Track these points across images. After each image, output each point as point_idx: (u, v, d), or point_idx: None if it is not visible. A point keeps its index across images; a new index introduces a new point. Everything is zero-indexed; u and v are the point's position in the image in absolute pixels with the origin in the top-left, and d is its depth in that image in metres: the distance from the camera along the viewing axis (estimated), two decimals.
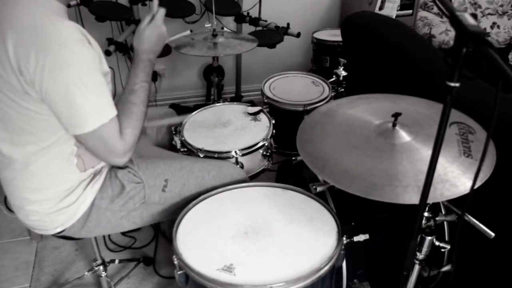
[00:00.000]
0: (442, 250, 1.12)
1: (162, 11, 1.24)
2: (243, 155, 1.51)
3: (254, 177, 1.60)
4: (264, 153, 1.59)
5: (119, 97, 1.18)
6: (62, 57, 0.96)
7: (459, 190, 0.95)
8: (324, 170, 1.06)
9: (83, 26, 1.15)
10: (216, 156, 1.50)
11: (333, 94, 2.01)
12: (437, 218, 1.14)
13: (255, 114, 1.71)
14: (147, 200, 1.27)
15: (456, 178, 0.98)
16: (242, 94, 3.00)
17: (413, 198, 0.94)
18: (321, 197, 1.25)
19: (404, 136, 1.11)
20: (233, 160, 1.51)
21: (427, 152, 1.04)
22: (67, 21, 1.02)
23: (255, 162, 1.59)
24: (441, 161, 1.01)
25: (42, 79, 0.96)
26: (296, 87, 2.06)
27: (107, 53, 2.15)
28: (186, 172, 1.34)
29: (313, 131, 1.21)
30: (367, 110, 1.26)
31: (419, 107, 1.25)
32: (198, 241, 1.11)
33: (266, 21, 2.56)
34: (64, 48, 0.96)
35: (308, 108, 1.87)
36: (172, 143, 1.62)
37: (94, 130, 1.03)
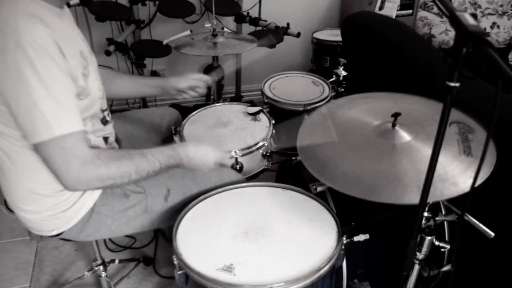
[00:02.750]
0: (442, 250, 1.12)
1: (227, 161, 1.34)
2: (243, 155, 1.51)
3: (254, 177, 1.60)
4: (264, 153, 1.59)
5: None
6: (21, 64, 0.92)
7: (459, 189, 0.95)
8: (325, 174, 1.06)
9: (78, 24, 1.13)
10: None
11: (333, 94, 2.01)
12: (437, 218, 1.14)
13: (255, 114, 1.71)
14: (149, 209, 1.26)
15: (456, 177, 0.98)
16: (242, 94, 3.00)
17: (413, 198, 0.94)
18: (321, 197, 1.25)
19: (404, 136, 1.11)
20: (233, 160, 1.51)
21: (427, 152, 1.04)
22: (43, 26, 0.96)
23: (255, 162, 1.58)
24: (441, 160, 1.00)
25: (1, 84, 0.94)
26: (296, 87, 2.06)
27: (107, 53, 2.15)
28: (188, 180, 1.33)
29: (313, 134, 1.21)
30: (366, 110, 1.26)
31: (420, 106, 1.25)
32: (198, 241, 1.11)
33: (266, 21, 2.56)
34: (24, 55, 0.92)
35: (308, 108, 1.87)
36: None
37: (44, 141, 0.96)
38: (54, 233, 1.19)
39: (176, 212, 1.30)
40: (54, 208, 1.15)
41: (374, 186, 0.98)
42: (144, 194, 1.25)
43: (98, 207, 1.20)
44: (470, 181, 0.94)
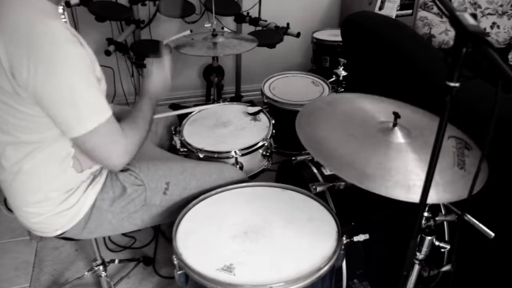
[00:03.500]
0: (442, 250, 1.12)
1: (167, 59, 1.36)
2: (242, 155, 1.51)
3: (254, 177, 1.60)
4: (264, 153, 1.59)
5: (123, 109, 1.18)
6: (54, 58, 0.95)
7: (445, 198, 0.96)
8: (320, 152, 1.06)
9: (76, 27, 1.16)
10: (216, 156, 1.50)
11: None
12: (437, 218, 1.14)
13: (255, 114, 1.71)
14: (148, 203, 1.27)
15: (445, 185, 0.97)
16: (242, 94, 3.00)
17: (400, 194, 0.94)
18: (321, 197, 1.25)
19: (399, 137, 1.11)
20: (233, 160, 1.51)
21: (419, 157, 1.05)
22: (58, 22, 1.00)
23: (255, 162, 1.59)
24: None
25: (35, 84, 0.95)
26: (296, 87, 2.06)
27: (107, 53, 2.15)
28: (187, 175, 1.34)
29: (317, 115, 1.21)
30: (374, 107, 1.25)
31: (427, 118, 1.25)
32: (198, 241, 1.11)
33: (266, 21, 2.56)
34: (56, 49, 0.95)
35: None
36: (172, 143, 1.62)
37: (91, 130, 1.01)
38: (59, 232, 1.20)
39: (176, 206, 1.31)
40: (59, 207, 1.15)
41: (366, 175, 0.98)
42: (143, 186, 1.26)
43: (99, 202, 1.21)
44: (458, 193, 0.95)
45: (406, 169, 1.01)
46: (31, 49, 0.94)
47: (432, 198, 0.94)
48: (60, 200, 1.15)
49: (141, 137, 1.17)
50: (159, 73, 1.33)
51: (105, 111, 1.04)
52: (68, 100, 0.98)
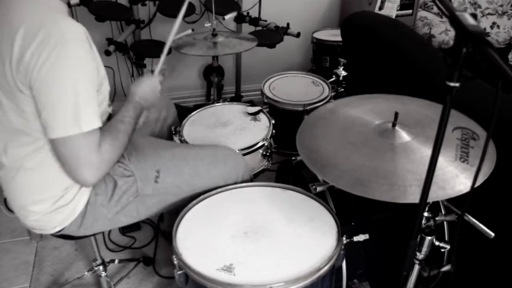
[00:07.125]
0: (442, 250, 1.12)
1: (159, 77, 1.38)
2: (243, 155, 1.51)
3: (254, 177, 1.60)
4: (264, 153, 1.59)
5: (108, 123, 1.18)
6: (58, 55, 0.95)
7: (445, 193, 0.95)
8: (317, 164, 1.07)
9: None
10: None
11: (333, 94, 2.01)
12: (437, 218, 1.14)
13: (254, 114, 1.71)
14: (140, 193, 1.26)
15: (446, 181, 0.97)
16: (242, 94, 3.00)
17: (397, 196, 0.94)
18: (321, 197, 1.25)
19: (403, 136, 1.11)
20: None
21: (424, 153, 1.04)
22: (71, 20, 1.01)
23: (255, 162, 1.59)
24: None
25: (33, 73, 0.96)
26: (296, 87, 2.06)
27: (107, 53, 2.15)
28: (178, 160, 1.32)
29: (315, 126, 1.22)
30: (371, 109, 1.25)
31: (426, 109, 1.24)
32: (198, 241, 1.11)
33: (266, 21, 2.56)
34: (63, 47, 0.96)
35: (308, 108, 1.87)
36: None
37: (69, 137, 1.00)
38: (57, 229, 1.20)
39: (170, 195, 1.30)
40: (56, 204, 1.15)
41: (361, 181, 0.98)
42: (133, 177, 1.25)
43: (92, 197, 1.20)
44: (459, 187, 0.95)
45: (403, 169, 1.01)
46: (38, 44, 0.95)
47: (431, 196, 0.94)
48: (57, 197, 1.15)
49: (118, 155, 1.14)
50: (150, 81, 1.32)
51: (92, 122, 1.02)
52: (59, 99, 0.98)
